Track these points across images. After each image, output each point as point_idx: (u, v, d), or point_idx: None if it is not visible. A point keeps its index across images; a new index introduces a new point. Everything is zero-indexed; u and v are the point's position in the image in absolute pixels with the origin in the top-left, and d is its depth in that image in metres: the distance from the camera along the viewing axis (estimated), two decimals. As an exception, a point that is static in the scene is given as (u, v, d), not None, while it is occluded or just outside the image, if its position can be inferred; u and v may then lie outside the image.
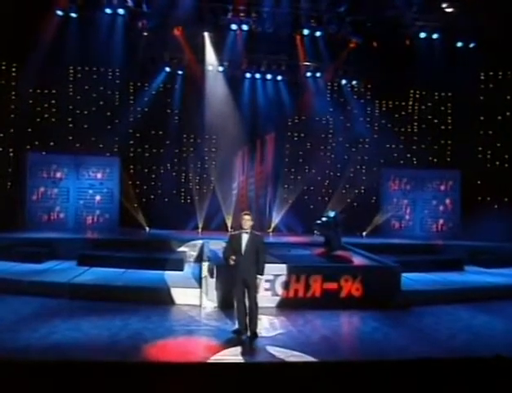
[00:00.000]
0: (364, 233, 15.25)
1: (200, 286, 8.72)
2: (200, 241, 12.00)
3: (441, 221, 15.43)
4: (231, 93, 15.54)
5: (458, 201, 15.23)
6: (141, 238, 13.10)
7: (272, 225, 15.62)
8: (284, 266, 8.71)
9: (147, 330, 6.96)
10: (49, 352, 5.86)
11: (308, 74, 15.91)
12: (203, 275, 8.61)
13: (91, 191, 14.54)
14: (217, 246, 11.12)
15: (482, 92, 15.19)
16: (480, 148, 15.31)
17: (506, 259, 12.37)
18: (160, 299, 8.60)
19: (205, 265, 8.63)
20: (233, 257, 6.81)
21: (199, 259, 11.64)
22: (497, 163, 15.09)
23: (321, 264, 9.18)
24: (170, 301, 8.59)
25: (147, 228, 14.72)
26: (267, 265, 7.99)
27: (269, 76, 15.81)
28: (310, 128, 16.44)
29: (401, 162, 16.58)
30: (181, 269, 10.52)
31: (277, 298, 8.62)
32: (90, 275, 9.68)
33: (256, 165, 15.51)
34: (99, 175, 14.65)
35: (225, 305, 8.41)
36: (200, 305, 8.53)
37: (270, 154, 15.59)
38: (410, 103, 16.85)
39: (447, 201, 15.41)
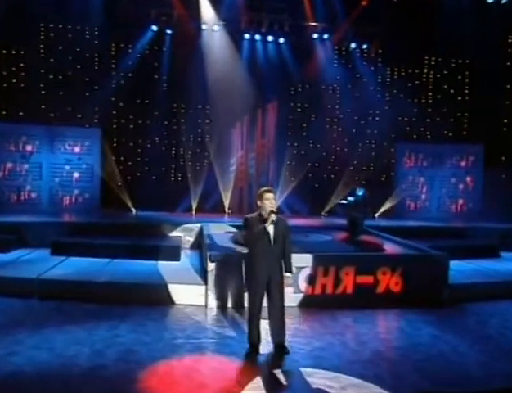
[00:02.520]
0: (376, 215, 13.69)
1: (205, 282, 7.03)
2: (197, 225, 10.27)
3: (460, 201, 13.96)
4: (227, 57, 13.61)
5: (480, 178, 13.75)
6: (128, 221, 11.28)
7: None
8: (308, 256, 7.06)
9: (142, 346, 5.26)
10: (2, 386, 4.13)
11: (315, 36, 14.08)
12: (208, 268, 6.91)
13: (67, 168, 12.60)
14: (219, 229, 9.48)
15: (509, 57, 13.59)
16: (505, 120, 13.79)
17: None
18: (156, 298, 6.90)
19: (209, 256, 6.92)
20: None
21: (196, 245, 10.00)
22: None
23: (353, 254, 7.57)
24: (168, 301, 6.90)
25: (134, 210, 12.89)
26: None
27: (270, 38, 13.92)
28: (315, 98, 14.65)
29: (414, 137, 15.01)
30: (178, 259, 8.81)
31: (300, 295, 7.01)
32: (66, 268, 7.89)
33: (256, 138, 13.74)
34: (77, 149, 12.70)
35: (236, 306, 6.80)
36: (206, 306, 6.86)
37: (272, 125, 13.83)
38: (425, 71, 15.20)
39: (468, 178, 13.92)
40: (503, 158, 13.72)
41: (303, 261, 6.95)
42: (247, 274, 5.19)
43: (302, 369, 4.70)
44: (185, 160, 14.06)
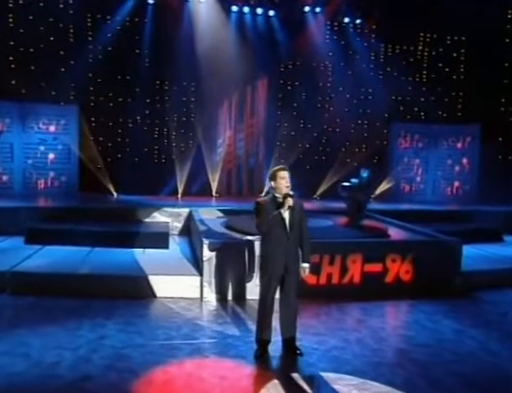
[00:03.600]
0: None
1: (200, 273, 6.34)
2: (186, 210, 9.52)
3: (456, 183, 13.51)
4: (214, 30, 12.72)
5: (476, 160, 13.30)
6: (109, 206, 10.44)
7: (265, 189, 13.24)
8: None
9: (134, 349, 4.55)
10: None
11: (306, 9, 13.30)
12: (204, 258, 6.21)
13: (42, 148, 11.63)
14: (210, 214, 8.76)
15: (508, 34, 13.07)
16: (503, 100, 13.33)
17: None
18: (145, 291, 6.18)
19: (207, 244, 6.22)
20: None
21: (185, 231, 9.28)
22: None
23: (361, 240, 6.96)
24: (158, 294, 6.18)
25: (115, 194, 12.05)
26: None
27: (260, 10, 13.09)
28: (306, 75, 13.89)
29: (408, 117, 14.45)
30: (166, 247, 8.07)
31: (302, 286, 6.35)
32: (42, 258, 7.08)
33: (246, 118, 12.98)
34: (52, 128, 11.73)
35: (236, 298, 6.16)
36: (201, 299, 6.18)
37: (261, 104, 13.09)
38: (420, 48, 14.59)
39: (464, 160, 13.46)
40: (500, 138, 13.28)
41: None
42: (261, 265, 4.53)
43: (323, 374, 4.07)
44: (169, 141, 13.20)
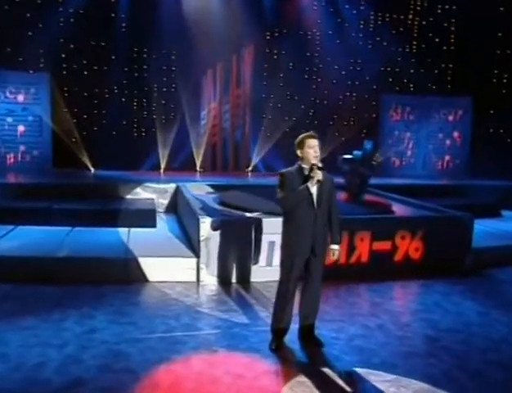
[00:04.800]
0: (360, 172, 12.67)
1: (196, 255, 5.74)
2: (172, 185, 8.84)
3: (447, 157, 13.19)
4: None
5: (468, 133, 12.98)
6: (87, 182, 9.65)
7: (252, 164, 12.65)
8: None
9: (130, 344, 3.95)
10: None
11: (293, -28, 12.51)
12: (201, 237, 5.60)
13: (10, 120, 10.66)
14: (199, 190, 8.13)
15: (501, 3, 12.63)
16: (496, 71, 12.98)
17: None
18: (134, 275, 5.56)
19: (206, 222, 5.60)
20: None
21: (172, 208, 8.63)
22: (515, 88, 12.87)
23: (369, 216, 6.47)
24: (149, 278, 5.57)
25: (92, 169, 11.22)
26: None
27: (245, -26, 12.22)
28: (293, 45, 13.16)
29: (397, 89, 13.99)
30: (154, 225, 7.42)
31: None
32: (15, 240, 6.33)
33: (231, 88, 12.23)
34: (20, 97, 10.75)
35: (239, 281, 5.63)
36: (198, 282, 5.60)
37: (248, 74, 12.34)
38: (410, 17, 14.05)
39: (455, 133, 13.12)
40: (491, 111, 12.97)
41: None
42: (283, 245, 3.97)
43: (357, 369, 3.58)
44: (149, 113, 12.39)
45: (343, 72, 13.55)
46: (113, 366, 3.58)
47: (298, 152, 3.94)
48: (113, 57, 11.94)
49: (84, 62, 11.88)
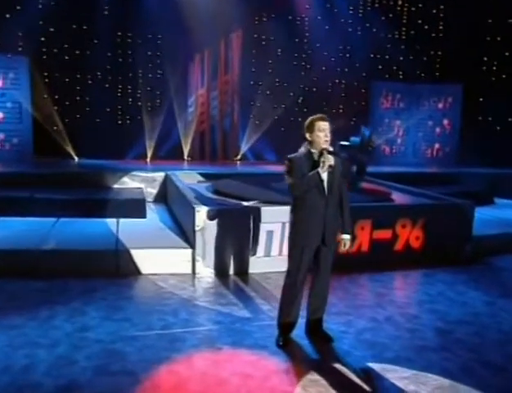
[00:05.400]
0: (350, 161, 12.50)
1: (191, 246, 5.46)
2: (161, 174, 8.52)
3: (437, 145, 13.10)
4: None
5: (457, 121, 12.89)
6: (71, 171, 9.25)
7: (241, 152, 12.36)
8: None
9: (125, 342, 3.67)
10: None
11: (283, -45, 12.16)
12: (196, 227, 5.33)
13: (-13, 106, 10.17)
14: (190, 179, 7.85)
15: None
16: (485, 58, 12.89)
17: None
18: (128, 268, 5.26)
19: (201, 212, 5.32)
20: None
21: (162, 198, 8.33)
22: (504, 76, 12.80)
23: (370, 204, 6.27)
24: (141, 271, 5.29)
25: (76, 158, 10.80)
26: (285, 208, 5.15)
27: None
28: (281, 30, 12.85)
29: (386, 76, 13.82)
30: (143, 215, 7.11)
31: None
32: (-2, 231, 5.98)
33: (219, 74, 11.88)
34: (-2, 82, 10.24)
35: (237, 273, 5.39)
36: (194, 275, 5.34)
37: (236, 59, 12.00)
38: (399, 3, 13.85)
39: (445, 121, 13.03)
40: (481, 99, 12.90)
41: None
42: (292, 234, 3.73)
43: (371, 365, 3.38)
44: (134, 100, 11.98)
45: (333, 59, 13.29)
46: (109, 367, 3.30)
47: (307, 136, 3.70)
48: (95, 41, 11.45)
49: (65, 46, 11.37)
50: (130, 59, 11.78)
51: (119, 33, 11.74)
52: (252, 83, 12.70)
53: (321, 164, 3.56)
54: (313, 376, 3.26)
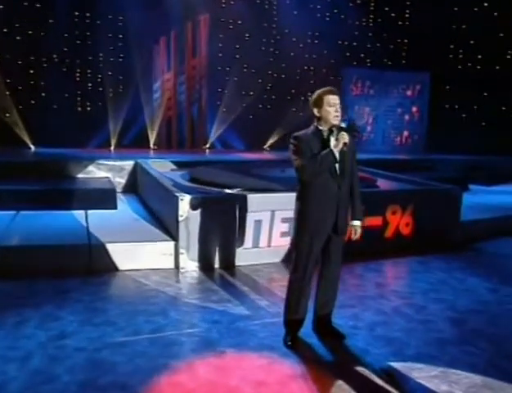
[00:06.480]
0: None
1: (174, 238, 4.98)
2: (130, 162, 7.92)
3: (405, 133, 13.08)
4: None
5: (425, 109, 12.91)
6: (30, 160, 8.47)
7: (210, 140, 11.85)
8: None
9: (112, 350, 3.17)
10: None
11: None
12: (180, 218, 4.84)
13: None
14: (162, 167, 7.32)
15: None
16: (451, 46, 12.96)
17: (501, 174, 10.52)
18: (104, 264, 4.72)
19: (185, 200, 4.84)
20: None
21: (131, 188, 7.76)
22: (469, 64, 12.91)
23: (361, 190, 5.97)
24: (119, 266, 4.77)
25: (32, 147, 9.96)
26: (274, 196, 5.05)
27: None
28: (249, 14, 12.41)
29: (354, 63, 13.67)
30: (114, 206, 6.53)
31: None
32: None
33: (187, 58, 11.29)
34: None
35: (223, 266, 4.96)
36: (178, 269, 4.86)
37: (204, 43, 11.44)
38: (368, -11, 13.70)
39: (414, 109, 13.02)
40: (447, 87, 12.97)
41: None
42: (299, 221, 3.33)
43: (393, 364, 3.06)
44: (94, 85, 11.22)
45: (301, 45, 13.00)
46: (98, 381, 2.81)
47: (315, 111, 3.31)
48: (51, 21, 10.64)
49: (16, 26, 10.50)
50: (89, 41, 11.01)
51: (77, 14, 10.96)
52: (219, 68, 12.22)
53: (336, 142, 3.19)
54: (333, 380, 2.90)
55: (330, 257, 3.41)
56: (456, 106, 13.11)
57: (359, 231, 3.49)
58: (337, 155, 3.23)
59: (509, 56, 12.63)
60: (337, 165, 3.25)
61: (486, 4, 12.58)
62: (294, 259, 3.39)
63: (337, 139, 3.21)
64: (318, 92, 3.32)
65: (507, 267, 5.34)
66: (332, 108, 3.24)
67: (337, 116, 3.24)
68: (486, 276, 4.94)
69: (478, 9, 12.61)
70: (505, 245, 6.22)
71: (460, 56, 13.02)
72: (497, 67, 12.50)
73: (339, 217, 3.30)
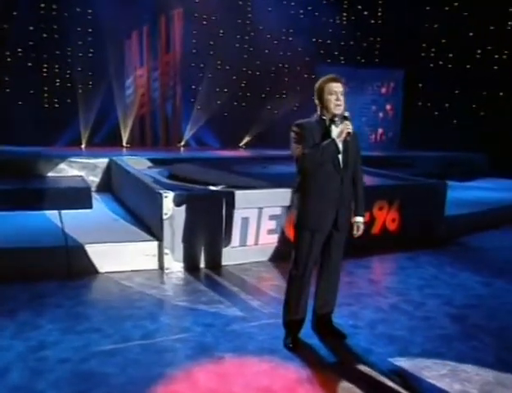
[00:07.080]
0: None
1: (158, 238, 4.72)
2: (104, 160, 7.58)
3: (380, 130, 13.14)
4: None
5: (399, 106, 13.01)
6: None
7: (184, 138, 11.55)
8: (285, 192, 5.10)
9: (101, 360, 2.91)
10: None
11: None
12: (164, 216, 4.59)
13: None
14: (138, 165, 7.03)
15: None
16: (424, 44, 13.10)
17: (472, 170, 10.73)
18: (83, 267, 4.42)
19: (169, 197, 4.59)
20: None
21: (106, 187, 7.42)
22: (441, 62, 13.08)
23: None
24: (99, 268, 4.48)
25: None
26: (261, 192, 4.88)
27: None
28: (223, 10, 12.18)
29: (328, 61, 13.64)
30: (90, 206, 6.19)
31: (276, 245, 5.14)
32: None
33: (160, 54, 10.95)
34: None
35: (209, 266, 4.75)
36: (162, 270, 4.61)
37: (178, 38, 11.15)
38: (342, -13, 13.71)
39: (388, 106, 13.10)
40: (420, 85, 13.11)
41: (283, 200, 4.98)
42: (299, 215, 3.14)
43: (400, 364, 2.92)
44: (62, 81, 10.75)
45: (276, 41, 12.87)
46: (88, 395, 2.56)
47: (317, 102, 3.15)
48: (14, 14, 10.11)
49: (-22, 17, 9.93)
50: (56, 35, 10.54)
51: (42, 5, 10.47)
52: (193, 65, 11.94)
53: (339, 132, 3.04)
54: (341, 383, 2.74)
55: (329, 255, 3.26)
56: (429, 104, 13.27)
57: (362, 227, 3.34)
58: (340, 145, 3.06)
59: (478, 55, 12.87)
60: (340, 157, 3.09)
61: (456, 4, 12.77)
62: (293, 256, 3.22)
63: (341, 129, 3.04)
64: (320, 80, 3.16)
65: (495, 261, 5.33)
66: (333, 96, 3.07)
67: (338, 105, 3.09)
68: (475, 270, 4.91)
69: (449, 8, 12.79)
70: (489, 239, 6.24)
71: (432, 54, 13.19)
72: (468, 66, 12.71)
73: (340, 212, 3.14)
